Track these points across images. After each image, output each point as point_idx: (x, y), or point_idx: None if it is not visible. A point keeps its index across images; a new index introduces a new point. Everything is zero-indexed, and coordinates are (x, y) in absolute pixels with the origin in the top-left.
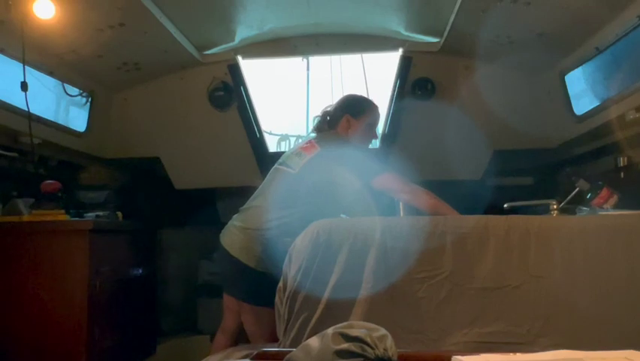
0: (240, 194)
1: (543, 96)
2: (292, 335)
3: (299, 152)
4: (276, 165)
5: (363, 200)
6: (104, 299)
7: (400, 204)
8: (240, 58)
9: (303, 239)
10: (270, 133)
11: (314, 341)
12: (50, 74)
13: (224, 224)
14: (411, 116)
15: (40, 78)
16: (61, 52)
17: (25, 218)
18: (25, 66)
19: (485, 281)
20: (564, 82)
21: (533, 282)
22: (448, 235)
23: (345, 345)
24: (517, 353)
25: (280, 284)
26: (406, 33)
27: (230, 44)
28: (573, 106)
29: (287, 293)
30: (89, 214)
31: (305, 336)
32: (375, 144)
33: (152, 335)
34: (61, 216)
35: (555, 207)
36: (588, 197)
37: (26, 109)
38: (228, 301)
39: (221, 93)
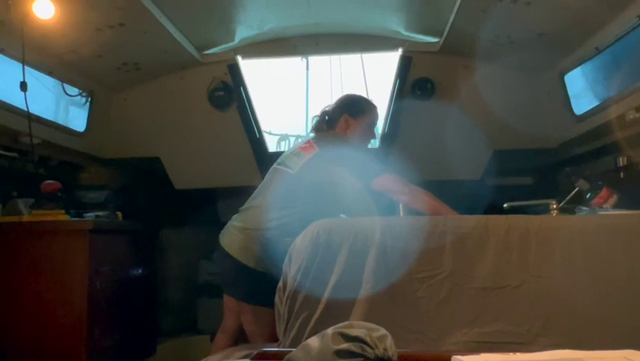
0: (240, 194)
1: (543, 96)
2: (292, 334)
3: (298, 152)
4: (274, 165)
5: (362, 200)
6: (104, 299)
7: (400, 204)
8: (239, 58)
9: (303, 239)
10: (270, 133)
11: (314, 341)
12: (50, 74)
13: (224, 224)
14: (410, 116)
15: (40, 78)
16: (60, 52)
17: (25, 218)
18: (25, 66)
19: (485, 281)
20: (564, 82)
21: (533, 282)
22: (448, 234)
23: (345, 345)
24: (517, 353)
25: (280, 284)
26: (406, 33)
27: (230, 44)
28: (573, 106)
29: (287, 293)
30: (89, 214)
31: (305, 336)
32: (375, 143)
33: (152, 335)
34: (61, 216)
35: (555, 207)
36: (588, 197)
37: (26, 109)
38: (228, 301)
39: (221, 93)
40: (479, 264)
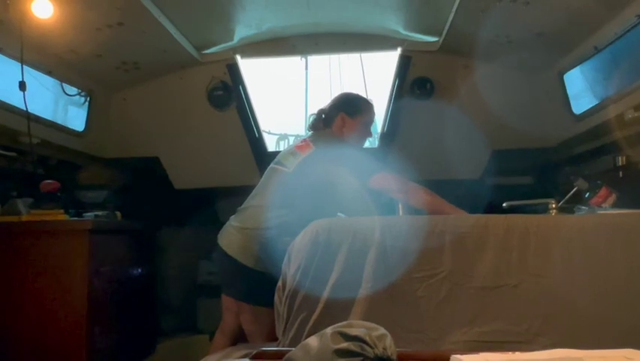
0: (239, 193)
1: (542, 96)
2: (291, 334)
3: (294, 151)
4: (271, 165)
5: (361, 199)
6: (104, 299)
7: (399, 203)
8: (238, 57)
9: (302, 238)
10: (269, 132)
11: (313, 341)
12: (49, 73)
13: (223, 223)
14: (410, 115)
15: (39, 78)
16: (59, 51)
17: (24, 218)
18: (24, 66)
19: (484, 280)
20: (563, 81)
21: (532, 281)
22: (448, 234)
23: (344, 344)
24: (516, 352)
25: (279, 283)
26: (405, 32)
27: (229, 44)
28: (572, 105)
29: (286, 292)
30: (88, 214)
31: (304, 335)
32: (374, 143)
33: (151, 335)
34: (60, 216)
35: (554, 206)
36: (587, 196)
37: (25, 109)
38: (227, 301)
39: (220, 93)
40: (478, 263)
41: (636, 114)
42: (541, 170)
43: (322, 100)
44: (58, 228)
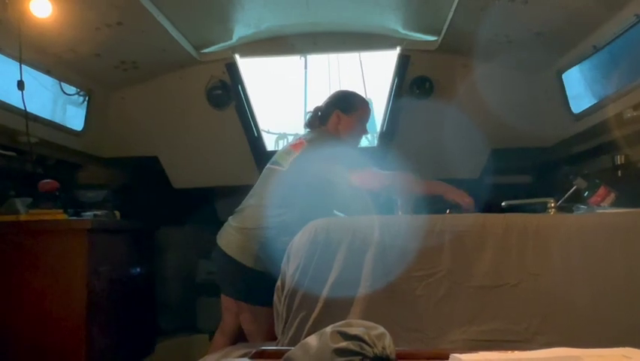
0: (238, 193)
1: (541, 95)
2: (290, 333)
3: (289, 150)
4: (268, 165)
5: (360, 198)
6: (103, 298)
7: (398, 202)
8: (237, 57)
9: (301, 238)
10: (268, 132)
11: (312, 340)
12: (47, 72)
13: (222, 223)
14: (409, 114)
15: (37, 77)
16: (58, 51)
17: (23, 217)
18: (22, 65)
19: (483, 279)
20: (562, 80)
21: (531, 280)
22: (446, 233)
23: (343, 343)
24: (515, 351)
25: (278, 283)
26: (404, 31)
27: (228, 43)
28: (571, 104)
29: (285, 292)
30: (87, 213)
31: (303, 335)
32: (373, 142)
33: (150, 334)
34: (59, 215)
35: (553, 205)
36: (586, 195)
37: (23, 108)
38: (226, 301)
39: (219, 92)
40: (477, 262)
41: (635, 113)
42: (540, 169)
43: (321, 99)
44: (57, 227)
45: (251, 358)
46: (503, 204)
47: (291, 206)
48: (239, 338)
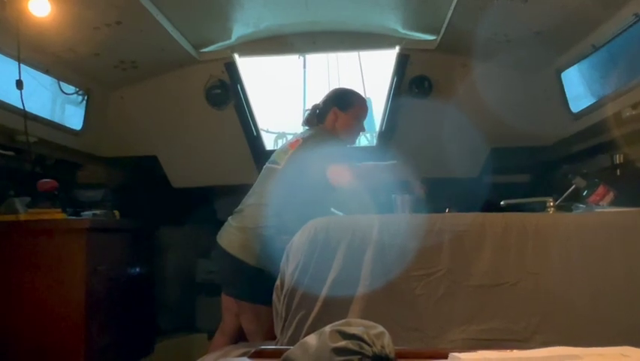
0: (238, 192)
1: (540, 94)
2: (290, 332)
3: (286, 148)
4: (266, 164)
5: (359, 197)
6: (102, 298)
7: (397, 201)
8: (236, 56)
9: (300, 237)
10: (267, 131)
11: (311, 339)
12: (46, 72)
13: (221, 222)
14: (408, 114)
15: (36, 76)
16: (57, 50)
17: (22, 217)
18: (21, 64)
19: (482, 278)
20: (561, 80)
21: (530, 279)
22: (446, 232)
23: (342, 343)
24: (514, 350)
25: (278, 282)
26: (403, 31)
27: (227, 42)
28: (570, 103)
29: (284, 291)
30: (86, 213)
31: (302, 334)
32: (372, 141)
33: (150, 334)
34: (58, 215)
35: (552, 204)
36: (585, 194)
37: (22, 107)
38: (227, 302)
39: (218, 91)
40: (477, 261)
41: (634, 112)
42: (539, 168)
43: (320, 99)
44: (56, 227)
45: (250, 357)
46: (502, 203)
47: (289, 204)
48: (239, 338)
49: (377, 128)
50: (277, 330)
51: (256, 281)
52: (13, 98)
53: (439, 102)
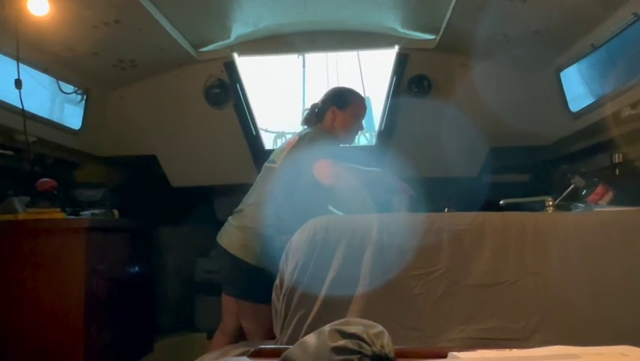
0: (237, 191)
1: (539, 93)
2: (289, 332)
3: (284, 147)
4: (265, 163)
5: (359, 196)
6: (101, 297)
7: (397, 200)
8: (235, 55)
9: (300, 236)
10: (267, 130)
11: (311, 338)
12: (45, 71)
13: (220, 222)
14: (407, 113)
15: (35, 75)
16: (55, 49)
17: (21, 216)
18: (20, 63)
19: (482, 278)
20: (560, 79)
21: (529, 278)
22: (445, 231)
23: (342, 342)
24: (514, 349)
25: (277, 281)
26: (402, 30)
27: (226, 41)
28: (569, 103)
29: (284, 290)
30: (85, 212)
31: (302, 333)
32: (372, 140)
33: (149, 333)
34: (57, 214)
35: (551, 203)
36: (584, 194)
37: (21, 107)
38: (227, 302)
39: (218, 91)
40: (476, 261)
41: (633, 112)
42: (538, 167)
43: (319, 98)
44: (55, 226)
45: (249, 356)
46: (501, 202)
47: (286, 203)
48: (239, 338)
49: (376, 127)
50: (276, 329)
51: (256, 281)
52: (12, 97)
53: (438, 102)
